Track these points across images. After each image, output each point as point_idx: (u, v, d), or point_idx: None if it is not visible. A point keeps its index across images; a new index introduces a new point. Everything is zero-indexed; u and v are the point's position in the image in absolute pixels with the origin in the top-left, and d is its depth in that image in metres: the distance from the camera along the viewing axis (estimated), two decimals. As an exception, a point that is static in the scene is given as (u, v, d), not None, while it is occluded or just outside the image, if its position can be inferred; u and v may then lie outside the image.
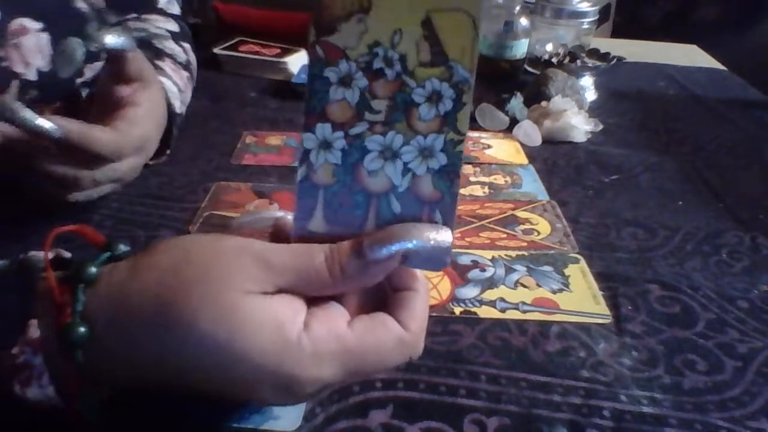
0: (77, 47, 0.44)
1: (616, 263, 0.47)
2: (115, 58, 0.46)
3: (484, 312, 0.42)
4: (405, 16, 0.27)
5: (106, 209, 0.51)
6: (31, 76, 0.49)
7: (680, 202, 0.57)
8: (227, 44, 0.89)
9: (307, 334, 0.26)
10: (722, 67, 1.03)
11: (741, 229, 0.53)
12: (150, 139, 0.50)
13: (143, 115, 0.48)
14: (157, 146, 0.52)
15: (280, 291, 0.27)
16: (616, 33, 1.73)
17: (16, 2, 0.45)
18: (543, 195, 0.57)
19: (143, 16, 0.65)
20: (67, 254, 0.31)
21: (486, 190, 0.58)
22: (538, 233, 0.51)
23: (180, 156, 0.60)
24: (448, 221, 0.29)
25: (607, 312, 0.42)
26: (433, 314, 0.41)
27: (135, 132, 0.46)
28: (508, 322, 0.41)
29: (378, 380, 0.35)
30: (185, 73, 0.62)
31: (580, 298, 0.43)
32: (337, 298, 0.29)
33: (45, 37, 0.47)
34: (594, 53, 0.87)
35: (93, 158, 0.44)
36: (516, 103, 0.73)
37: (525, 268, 0.46)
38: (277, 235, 0.31)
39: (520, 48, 0.87)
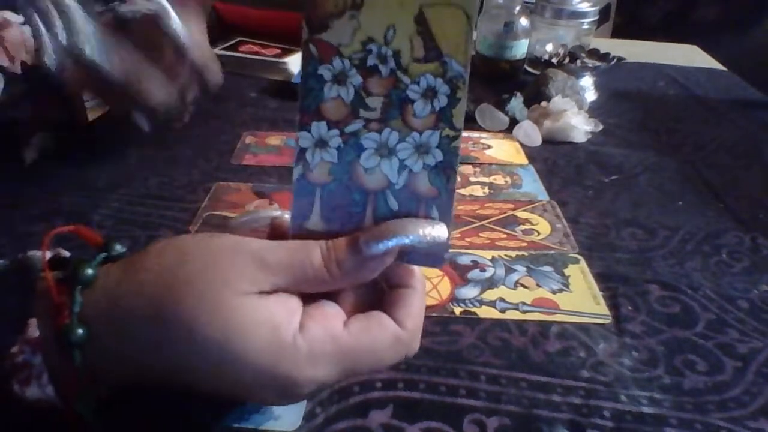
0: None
1: (616, 263, 0.47)
2: (152, 26, 0.50)
3: (484, 312, 0.42)
4: (397, 11, 0.27)
5: (106, 209, 0.51)
6: (17, 69, 0.49)
7: (680, 202, 0.57)
8: (227, 44, 0.89)
9: (303, 335, 0.26)
10: (722, 67, 1.03)
11: (741, 229, 0.53)
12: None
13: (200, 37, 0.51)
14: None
15: (277, 289, 0.27)
16: (616, 33, 1.73)
17: None
18: (543, 195, 0.57)
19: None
20: (66, 254, 0.31)
21: (486, 190, 0.58)
22: (538, 233, 0.51)
23: (180, 156, 0.60)
24: (445, 217, 0.29)
25: (607, 312, 0.42)
26: (433, 314, 0.41)
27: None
28: (508, 322, 0.41)
29: (378, 380, 0.35)
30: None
31: (580, 298, 0.43)
32: (333, 297, 0.29)
33: (28, 30, 0.47)
34: (594, 53, 0.87)
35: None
36: (516, 103, 0.73)
37: (525, 269, 0.46)
38: (274, 234, 0.31)
39: (520, 48, 0.87)
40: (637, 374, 0.37)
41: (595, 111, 0.77)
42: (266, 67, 0.85)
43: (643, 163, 0.65)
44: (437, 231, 0.28)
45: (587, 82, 0.83)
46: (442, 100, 0.28)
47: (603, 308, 0.42)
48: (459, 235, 0.50)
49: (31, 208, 0.50)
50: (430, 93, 0.28)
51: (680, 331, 0.41)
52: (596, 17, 0.93)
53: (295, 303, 0.28)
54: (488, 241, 0.50)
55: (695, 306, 0.43)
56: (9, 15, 0.45)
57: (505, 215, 0.54)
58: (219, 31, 0.94)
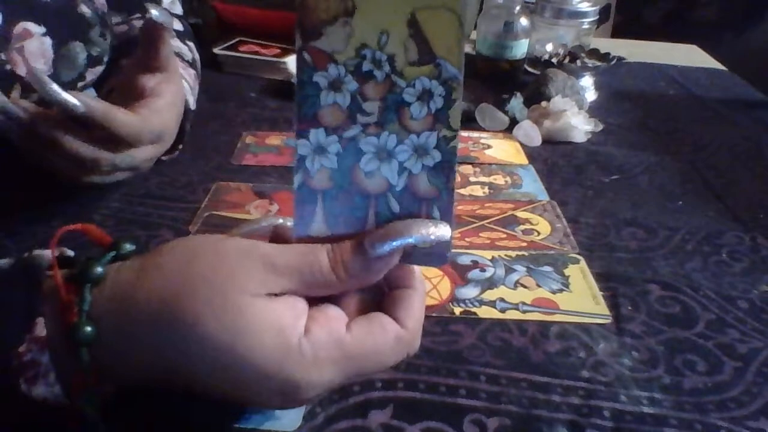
0: (80, 51, 0.44)
1: (616, 263, 0.47)
2: (155, 35, 0.47)
3: (484, 312, 0.42)
4: (390, 16, 0.27)
5: (107, 209, 0.52)
6: None
7: (680, 202, 0.57)
8: (227, 44, 0.89)
9: (308, 339, 0.27)
10: (722, 67, 1.03)
11: (741, 229, 0.53)
12: (169, 132, 0.50)
13: (165, 106, 0.49)
14: (173, 139, 0.53)
15: (285, 292, 0.27)
16: (616, 33, 1.73)
17: (19, 6, 0.46)
18: (543, 195, 0.57)
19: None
20: (70, 253, 0.31)
21: (486, 190, 0.58)
22: (538, 233, 0.51)
23: (180, 156, 0.60)
24: (447, 217, 0.29)
25: (607, 312, 0.42)
26: (433, 314, 0.41)
27: (155, 120, 0.47)
28: (508, 322, 0.41)
29: (378, 380, 0.35)
30: (192, 71, 0.63)
31: (580, 298, 0.43)
32: (335, 299, 0.29)
33: (48, 41, 0.47)
34: (594, 53, 0.87)
35: (113, 139, 0.44)
36: (516, 103, 0.73)
37: (525, 269, 0.46)
38: (276, 242, 0.31)
39: (520, 48, 0.87)
40: (637, 374, 0.37)
41: (595, 111, 0.77)
42: (266, 66, 0.85)
43: (643, 163, 0.65)
44: (440, 230, 0.29)
45: (587, 82, 0.83)
46: (438, 102, 0.28)
47: (603, 308, 0.42)
48: (459, 235, 0.50)
49: (31, 208, 0.50)
50: (425, 95, 0.28)
51: (680, 331, 0.41)
52: (596, 17, 0.92)
53: (301, 307, 0.28)
54: (488, 241, 0.50)
55: (695, 306, 0.43)
56: (30, 26, 0.46)
57: (505, 215, 0.54)
58: (219, 31, 0.94)
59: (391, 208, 0.29)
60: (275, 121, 0.72)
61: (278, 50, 0.87)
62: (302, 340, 0.26)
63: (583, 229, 0.52)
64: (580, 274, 0.46)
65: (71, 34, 0.49)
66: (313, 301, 0.29)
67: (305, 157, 0.29)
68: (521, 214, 0.54)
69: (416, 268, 0.30)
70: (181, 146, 0.59)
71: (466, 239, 0.50)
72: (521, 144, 0.68)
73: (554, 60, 0.84)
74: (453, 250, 0.48)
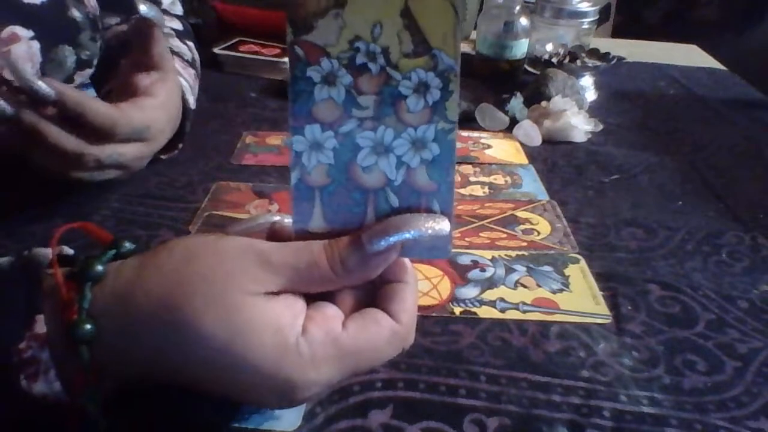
0: (68, 55, 0.44)
1: (616, 263, 0.47)
2: (145, 32, 0.47)
3: (484, 312, 0.42)
4: (382, 7, 0.27)
5: (107, 209, 0.52)
6: None
7: (680, 202, 0.57)
8: (227, 44, 0.89)
9: (305, 339, 0.27)
10: (722, 67, 1.03)
11: (741, 229, 0.53)
12: (158, 129, 0.50)
13: (155, 105, 0.48)
14: (168, 139, 0.53)
15: (283, 290, 0.27)
16: (616, 33, 1.73)
17: (6, 10, 0.45)
18: (543, 195, 0.57)
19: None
20: (70, 251, 0.31)
21: (486, 190, 0.58)
22: (538, 233, 0.51)
23: (180, 156, 0.60)
24: (446, 210, 0.29)
25: (607, 312, 0.42)
26: (433, 314, 0.41)
27: (135, 115, 0.46)
28: (508, 322, 0.41)
29: (378, 380, 0.35)
30: (192, 71, 0.63)
31: (580, 298, 0.43)
32: (331, 295, 0.29)
33: (36, 45, 0.47)
34: (594, 53, 0.87)
35: (88, 132, 0.43)
36: (516, 103, 0.73)
37: (525, 268, 0.46)
38: (274, 238, 0.31)
39: (520, 48, 0.87)
40: (637, 374, 0.37)
41: (595, 111, 0.77)
42: (266, 66, 0.85)
43: (643, 163, 0.65)
44: (439, 224, 0.28)
45: (587, 82, 0.83)
46: (434, 94, 0.28)
47: (603, 308, 0.42)
48: (459, 235, 0.50)
49: (31, 208, 0.50)
50: (422, 87, 0.28)
51: (680, 331, 0.41)
52: (596, 17, 0.92)
53: (299, 306, 0.28)
54: (488, 241, 0.50)
55: (695, 306, 0.43)
56: (18, 29, 0.45)
57: (505, 215, 0.54)
58: (219, 31, 0.94)
59: (390, 203, 0.29)
60: (275, 121, 0.72)
61: (278, 50, 0.87)
62: (300, 339, 0.27)
63: (583, 229, 0.52)
64: (580, 274, 0.46)
65: (60, 38, 0.49)
66: (311, 298, 0.29)
67: (301, 153, 0.29)
68: (521, 213, 0.54)
69: (407, 261, 0.30)
70: (180, 145, 0.59)
71: (466, 239, 0.50)
72: (521, 144, 0.68)
73: (554, 60, 0.84)
74: (453, 250, 0.48)
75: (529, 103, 0.73)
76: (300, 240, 0.29)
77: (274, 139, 0.67)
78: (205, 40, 0.86)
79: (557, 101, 0.71)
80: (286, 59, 0.84)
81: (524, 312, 0.42)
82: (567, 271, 0.46)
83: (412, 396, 0.35)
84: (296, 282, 0.27)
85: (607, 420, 0.34)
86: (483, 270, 0.46)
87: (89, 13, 0.52)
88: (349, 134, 0.28)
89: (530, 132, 0.69)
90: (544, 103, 0.72)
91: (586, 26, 0.92)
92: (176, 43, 0.63)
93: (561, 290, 0.44)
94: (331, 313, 0.28)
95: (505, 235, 0.51)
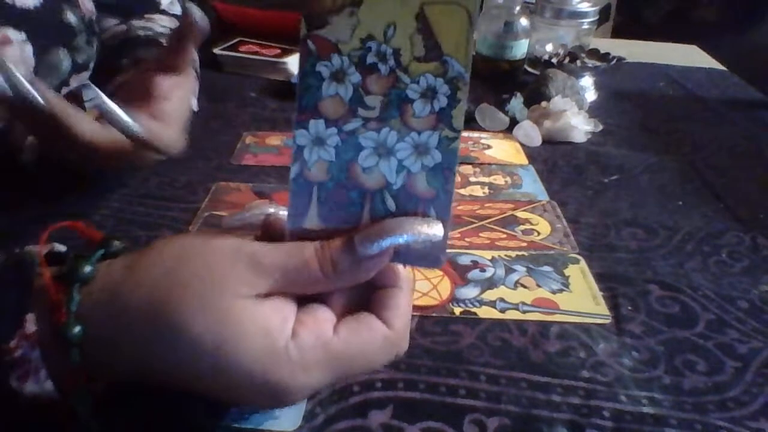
0: (63, 58, 0.43)
1: (616, 263, 0.47)
2: (189, 35, 0.48)
3: (484, 312, 0.42)
4: (398, 9, 0.27)
5: (107, 209, 0.52)
6: None
7: (680, 202, 0.57)
8: (227, 44, 0.89)
9: (295, 342, 0.26)
10: (722, 67, 1.03)
11: (741, 229, 0.53)
12: (173, 139, 0.50)
13: (170, 112, 0.48)
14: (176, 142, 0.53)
15: (273, 291, 0.27)
16: (616, 33, 1.73)
17: (0, 13, 0.45)
18: (543, 195, 0.57)
19: (147, 16, 0.65)
20: (62, 248, 0.31)
21: (486, 190, 0.58)
22: (538, 233, 0.51)
23: (180, 156, 0.60)
24: (444, 219, 0.29)
25: (607, 312, 0.42)
26: (433, 314, 0.41)
27: (117, 137, 0.45)
28: (508, 322, 0.41)
29: (378, 380, 0.35)
30: (192, 71, 0.63)
31: (580, 298, 0.43)
32: (324, 297, 0.29)
33: (29, 48, 0.47)
34: (594, 53, 0.87)
35: (70, 143, 0.43)
36: (516, 103, 0.73)
37: (525, 269, 0.46)
38: (268, 232, 0.31)
39: (520, 48, 0.87)
40: (637, 374, 0.37)
41: (595, 111, 0.77)
42: (266, 67, 0.85)
43: (643, 163, 0.65)
44: (432, 229, 0.28)
45: (587, 82, 0.83)
46: (441, 101, 0.28)
47: (603, 308, 0.42)
48: (459, 235, 0.50)
49: (31, 208, 0.50)
50: (430, 93, 0.27)
51: (680, 331, 0.41)
52: (596, 17, 0.92)
53: (289, 309, 0.28)
54: (488, 241, 0.50)
55: (695, 306, 0.43)
56: (10, 32, 0.45)
57: (505, 215, 0.54)
58: (219, 31, 0.94)
59: (387, 206, 0.29)
60: (275, 121, 0.72)
61: (278, 50, 0.87)
62: (289, 343, 0.26)
63: (583, 229, 0.52)
64: (580, 274, 0.46)
65: (54, 41, 0.49)
66: (303, 300, 0.28)
67: (303, 147, 0.29)
68: (521, 214, 0.54)
69: (401, 266, 0.30)
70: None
71: (466, 239, 0.50)
72: (521, 144, 0.68)
73: (554, 60, 0.84)
74: (453, 251, 0.48)
75: (529, 103, 0.73)
76: (294, 235, 0.29)
77: (274, 140, 0.67)
78: (205, 40, 0.86)
79: (557, 101, 0.71)
80: (286, 59, 0.84)
81: (524, 312, 0.42)
82: (567, 272, 0.46)
83: (412, 396, 0.35)
84: (287, 284, 0.27)
85: (607, 420, 0.34)
86: (483, 270, 0.46)
87: (84, 16, 0.52)
88: (352, 133, 0.28)
89: (530, 132, 0.69)
90: (544, 104, 0.72)
91: (586, 26, 0.92)
92: None
93: (561, 290, 0.44)
94: (322, 316, 0.28)
95: (505, 236, 0.51)
